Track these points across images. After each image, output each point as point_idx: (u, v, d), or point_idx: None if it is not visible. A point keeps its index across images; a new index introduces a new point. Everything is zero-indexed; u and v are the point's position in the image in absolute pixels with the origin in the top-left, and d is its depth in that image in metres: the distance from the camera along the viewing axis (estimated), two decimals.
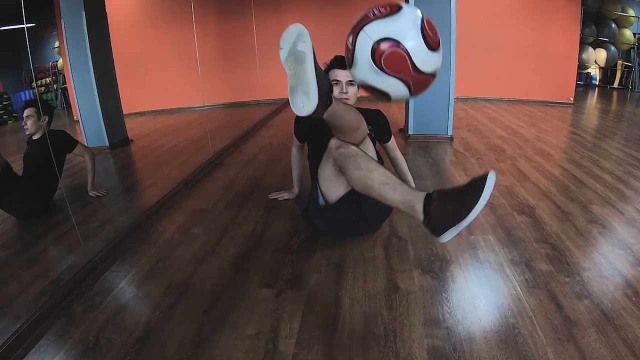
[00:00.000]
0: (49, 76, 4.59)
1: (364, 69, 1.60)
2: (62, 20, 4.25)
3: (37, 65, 4.44)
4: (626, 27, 9.20)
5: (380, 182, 1.87)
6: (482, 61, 7.77)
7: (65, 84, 4.64)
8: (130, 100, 5.35)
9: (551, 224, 2.57)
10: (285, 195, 3.14)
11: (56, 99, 4.70)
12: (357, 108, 2.77)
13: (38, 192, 3.11)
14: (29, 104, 3.18)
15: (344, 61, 2.58)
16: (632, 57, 9.36)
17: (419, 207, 1.76)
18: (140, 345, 1.68)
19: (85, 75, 4.44)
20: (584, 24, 8.17)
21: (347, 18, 6.90)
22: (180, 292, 2.03)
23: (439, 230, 1.67)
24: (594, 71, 10.04)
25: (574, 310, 1.75)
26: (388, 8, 1.57)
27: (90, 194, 3.39)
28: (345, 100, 2.60)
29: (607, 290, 1.88)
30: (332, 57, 2.67)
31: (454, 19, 4.48)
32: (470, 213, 1.61)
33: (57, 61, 4.61)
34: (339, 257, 2.26)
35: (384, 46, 1.53)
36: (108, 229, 2.85)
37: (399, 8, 1.58)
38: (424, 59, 1.58)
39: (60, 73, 4.63)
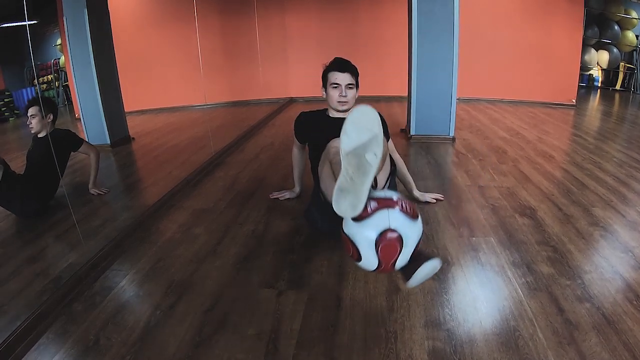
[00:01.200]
0: (50, 73, 4.60)
1: (364, 231, 1.59)
2: (64, 18, 4.25)
3: (39, 63, 4.45)
4: (629, 29, 9.19)
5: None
6: (484, 62, 7.76)
7: (67, 81, 4.64)
8: (132, 98, 5.36)
9: (553, 226, 2.57)
10: (286, 195, 3.14)
11: (58, 96, 4.70)
12: None
13: (40, 190, 3.11)
14: (32, 102, 3.18)
15: (344, 64, 2.60)
16: (635, 59, 9.36)
17: None
18: (140, 344, 1.67)
19: (87, 73, 4.44)
20: (587, 25, 8.15)
21: (348, 18, 6.91)
22: (181, 291, 2.03)
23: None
24: (596, 73, 10.04)
25: (575, 313, 1.74)
26: (412, 211, 1.60)
27: (91, 191, 3.39)
28: (344, 104, 2.61)
29: (609, 293, 1.88)
30: (332, 59, 2.68)
31: (457, 20, 4.47)
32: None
33: (59, 58, 4.61)
34: (340, 258, 2.26)
35: (391, 235, 1.54)
36: (109, 228, 2.85)
37: (417, 217, 1.62)
38: (403, 261, 1.60)
39: (62, 70, 4.63)
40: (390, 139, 2.84)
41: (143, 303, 1.99)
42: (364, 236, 1.57)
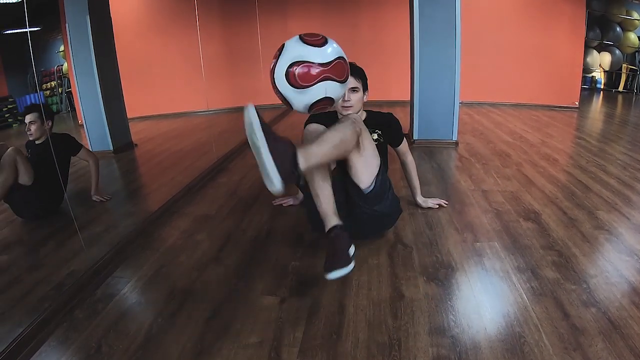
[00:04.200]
0: (54, 80, 4.60)
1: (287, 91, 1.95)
2: (67, 24, 4.26)
3: (42, 69, 4.45)
4: (631, 31, 9.18)
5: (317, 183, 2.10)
6: (487, 65, 7.75)
7: (70, 87, 4.65)
8: (135, 105, 5.36)
9: (557, 231, 2.55)
10: (290, 201, 3.13)
11: (61, 102, 4.71)
12: (369, 111, 2.75)
13: (45, 196, 3.12)
14: (30, 109, 3.19)
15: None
16: (637, 61, 9.34)
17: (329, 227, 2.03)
18: (142, 352, 1.67)
19: (90, 79, 4.45)
20: (589, 27, 8.15)
21: (350, 23, 6.91)
22: (183, 299, 2.02)
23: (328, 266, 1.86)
24: (598, 75, 10.02)
25: (581, 318, 1.73)
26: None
27: (94, 198, 3.39)
28: (348, 109, 2.58)
29: (614, 297, 1.86)
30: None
31: (459, 23, 4.47)
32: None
33: (62, 65, 4.62)
34: None
35: (291, 72, 1.91)
36: (111, 234, 2.85)
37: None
38: (320, 55, 1.90)
39: (65, 77, 4.64)
40: (404, 140, 2.82)
41: (145, 310, 1.98)
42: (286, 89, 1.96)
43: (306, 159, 1.87)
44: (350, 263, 1.88)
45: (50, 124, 3.23)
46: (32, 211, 3.11)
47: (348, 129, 2.06)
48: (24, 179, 3.01)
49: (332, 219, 2.04)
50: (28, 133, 3.18)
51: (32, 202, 3.06)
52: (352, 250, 1.99)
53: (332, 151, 2.01)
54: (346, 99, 2.55)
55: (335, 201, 2.23)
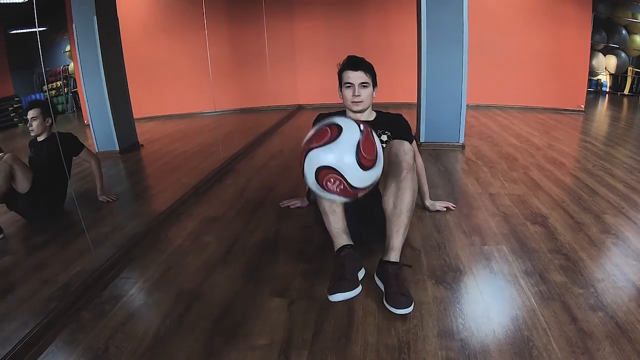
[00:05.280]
0: (60, 80, 4.62)
1: (312, 184, 1.82)
2: (73, 25, 4.28)
3: (48, 69, 4.46)
4: (637, 34, 9.15)
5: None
6: (493, 69, 7.73)
7: (76, 87, 4.66)
8: (141, 105, 5.38)
9: (564, 234, 2.54)
10: (297, 204, 3.11)
11: (67, 102, 4.73)
12: (378, 112, 2.69)
13: (48, 195, 3.13)
14: (32, 105, 3.21)
15: (356, 62, 2.47)
16: None
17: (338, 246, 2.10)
18: (150, 354, 1.67)
19: (96, 80, 4.47)
20: (594, 30, 8.12)
21: (356, 25, 6.90)
22: (191, 300, 2.02)
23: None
24: (604, 78, 9.99)
25: (589, 322, 1.72)
26: (328, 134, 1.77)
27: (100, 199, 3.40)
28: (359, 104, 2.50)
29: (622, 301, 1.86)
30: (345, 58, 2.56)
31: (466, 27, 4.46)
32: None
33: (68, 65, 4.64)
34: None
35: (324, 172, 1.74)
36: (118, 235, 2.85)
37: (339, 133, 1.77)
38: (359, 178, 1.76)
39: (71, 77, 4.65)
40: (413, 142, 2.65)
41: (152, 312, 1.98)
42: (312, 184, 1.82)
43: None
44: (357, 287, 1.97)
45: (49, 121, 3.25)
46: (36, 212, 3.12)
47: None
48: (23, 186, 3.02)
49: (342, 238, 2.08)
50: (30, 129, 3.21)
51: (36, 203, 3.07)
52: (361, 273, 2.02)
53: None
54: (356, 94, 2.46)
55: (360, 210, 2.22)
